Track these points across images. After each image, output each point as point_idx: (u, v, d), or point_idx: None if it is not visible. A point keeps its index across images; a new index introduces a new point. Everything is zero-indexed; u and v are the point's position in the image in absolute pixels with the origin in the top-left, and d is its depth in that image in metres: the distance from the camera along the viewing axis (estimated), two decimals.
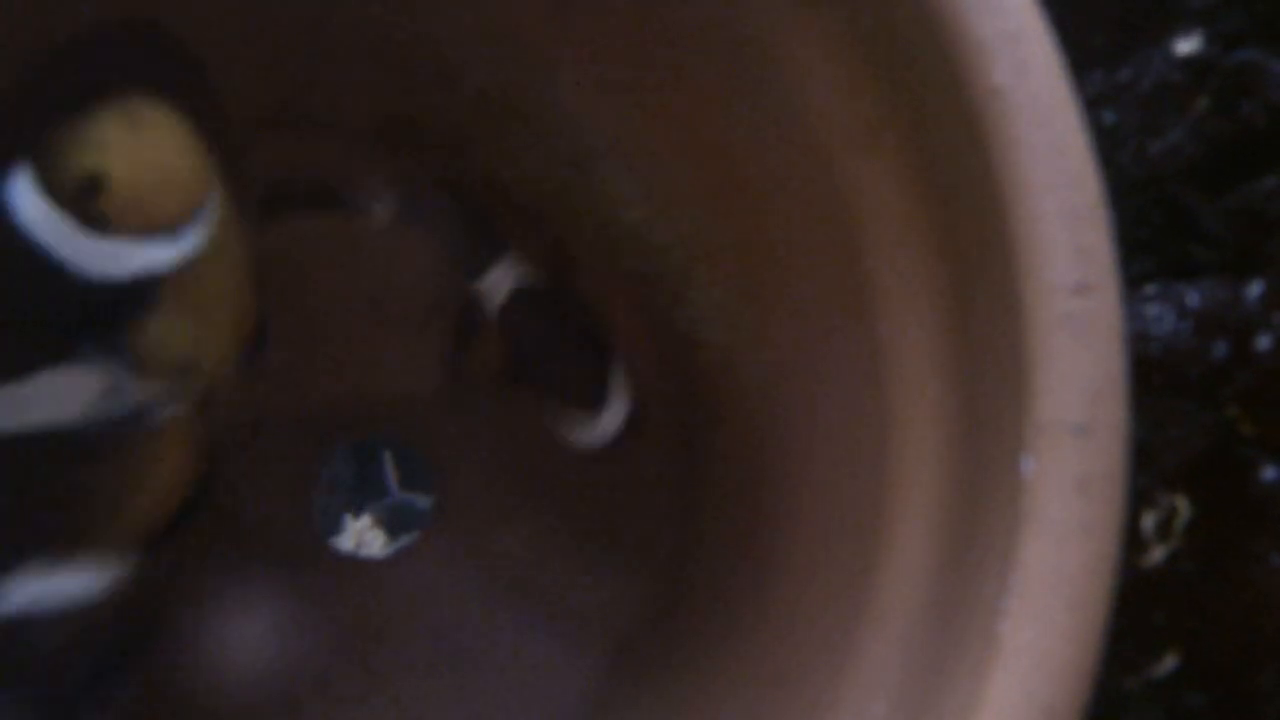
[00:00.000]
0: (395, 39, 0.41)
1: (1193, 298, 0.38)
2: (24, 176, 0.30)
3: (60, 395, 0.31)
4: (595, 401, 0.43)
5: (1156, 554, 0.38)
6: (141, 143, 0.31)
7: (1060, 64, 0.29)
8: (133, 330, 0.32)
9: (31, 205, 0.30)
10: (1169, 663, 0.38)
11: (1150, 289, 0.39)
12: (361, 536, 0.67)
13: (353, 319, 0.48)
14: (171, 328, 0.32)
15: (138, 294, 0.31)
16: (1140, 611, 0.38)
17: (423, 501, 0.66)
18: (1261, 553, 0.37)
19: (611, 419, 0.43)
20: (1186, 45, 0.40)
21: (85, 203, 0.30)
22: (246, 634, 0.45)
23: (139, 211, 0.31)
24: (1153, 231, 0.40)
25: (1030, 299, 0.28)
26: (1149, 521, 0.38)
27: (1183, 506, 0.38)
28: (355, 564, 0.49)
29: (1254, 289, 0.38)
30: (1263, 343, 0.38)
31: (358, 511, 0.68)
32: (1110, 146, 0.40)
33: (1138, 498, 0.38)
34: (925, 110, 0.31)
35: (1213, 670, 0.38)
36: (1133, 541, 0.38)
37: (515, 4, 0.39)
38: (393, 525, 0.68)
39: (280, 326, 0.45)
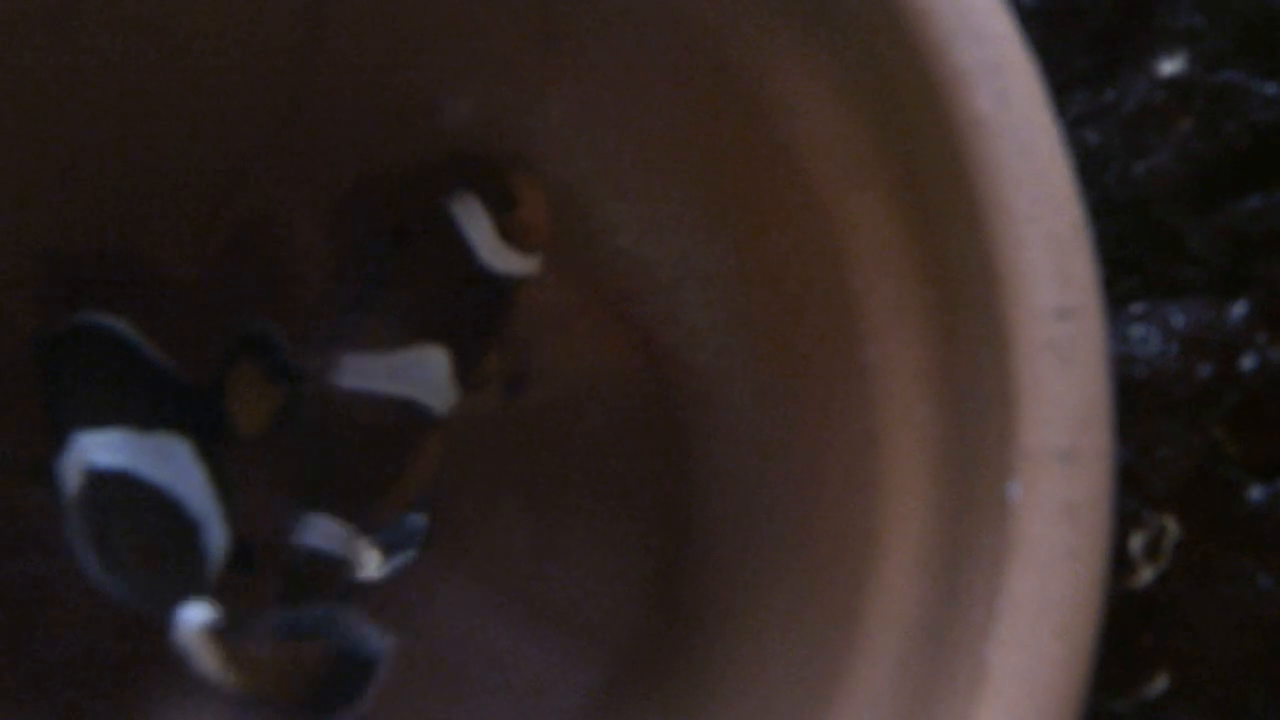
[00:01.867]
0: (384, 70, 0.41)
1: (1178, 319, 0.38)
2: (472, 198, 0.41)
3: (428, 372, 0.41)
4: None
5: (1145, 575, 0.38)
6: (533, 189, 0.42)
7: (1042, 91, 0.29)
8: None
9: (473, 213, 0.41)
10: (1159, 683, 0.38)
11: (1136, 309, 0.39)
12: (357, 557, 0.66)
13: None
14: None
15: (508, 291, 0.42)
16: (1130, 632, 0.38)
17: (418, 520, 0.66)
18: (1250, 572, 0.37)
19: None
20: (1170, 66, 0.40)
21: (504, 214, 0.41)
22: None
23: (525, 233, 0.41)
24: (1137, 251, 0.40)
25: (1014, 325, 0.28)
26: (1137, 543, 0.38)
27: (1171, 527, 0.38)
28: (350, 590, 0.49)
29: (1239, 309, 0.38)
30: (1248, 363, 0.38)
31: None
32: (1094, 167, 0.40)
33: (1126, 519, 0.38)
34: (909, 138, 0.31)
35: (1203, 691, 0.38)
36: (1121, 562, 0.38)
37: (504, 34, 0.39)
38: (388, 545, 0.67)
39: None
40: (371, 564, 0.66)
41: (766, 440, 0.41)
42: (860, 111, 0.33)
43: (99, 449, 0.37)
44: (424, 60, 0.41)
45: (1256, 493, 0.38)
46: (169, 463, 0.38)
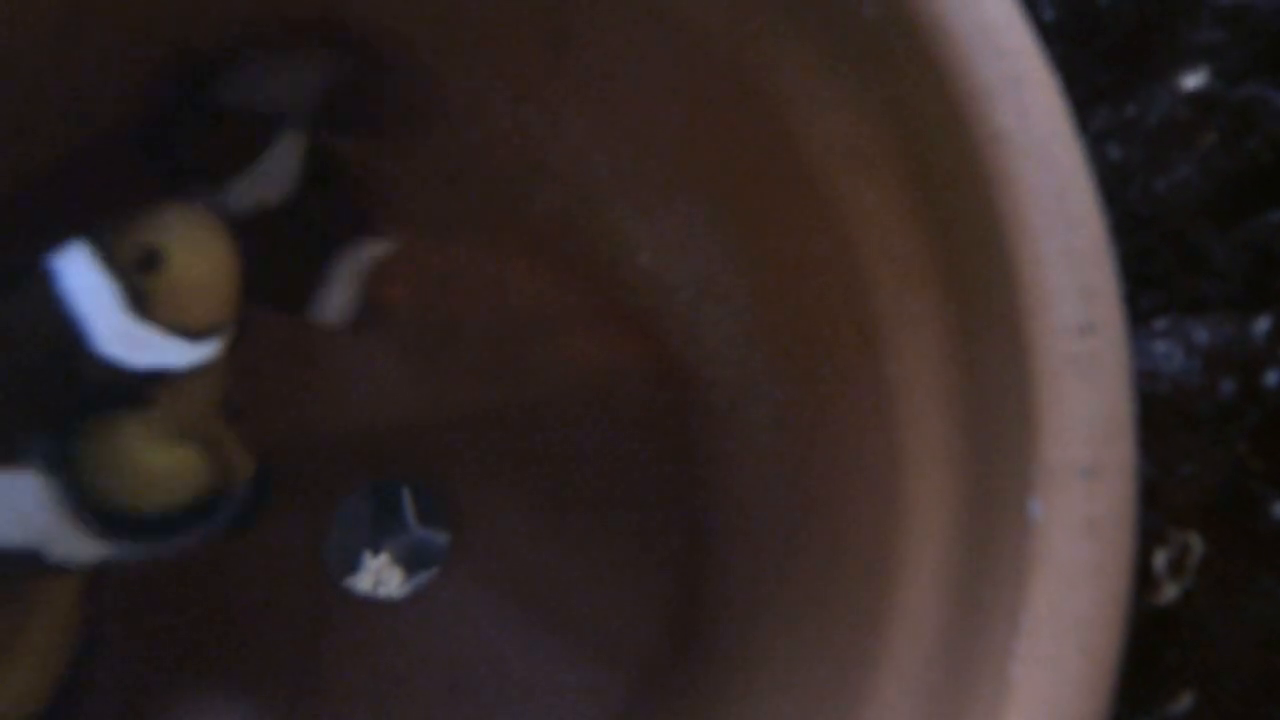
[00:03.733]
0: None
1: (1201, 334, 0.38)
2: (81, 246, 0.31)
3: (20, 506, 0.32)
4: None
5: (1169, 592, 0.38)
6: (199, 242, 0.33)
7: (1063, 106, 0.29)
8: (103, 425, 0.32)
9: (82, 271, 0.31)
10: (1184, 702, 0.38)
11: (1158, 325, 0.39)
12: (379, 575, 0.67)
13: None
14: (148, 433, 0.33)
15: (136, 390, 0.32)
16: (1154, 650, 0.38)
17: (440, 537, 0.67)
18: (1274, 589, 0.37)
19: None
20: (1193, 81, 0.40)
21: (137, 275, 0.32)
22: (258, 681, 0.45)
23: (178, 305, 0.33)
24: (1160, 267, 0.40)
25: (1036, 341, 0.28)
26: (1161, 560, 0.38)
27: (1195, 544, 0.38)
28: (372, 605, 0.49)
29: (1262, 324, 0.38)
30: (1272, 379, 0.38)
31: (375, 549, 0.68)
32: (1117, 182, 0.40)
33: (1149, 536, 0.38)
34: (929, 154, 0.31)
35: (1228, 709, 0.38)
36: (1145, 580, 0.38)
37: (516, 47, 0.40)
38: (410, 562, 0.68)
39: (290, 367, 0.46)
40: (394, 582, 0.67)
41: (786, 457, 0.41)
42: (880, 127, 0.33)
43: None
44: (436, 66, 0.41)
45: None
46: None
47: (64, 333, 0.31)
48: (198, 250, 0.33)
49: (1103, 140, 0.41)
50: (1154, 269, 0.40)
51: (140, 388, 0.33)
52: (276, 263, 0.41)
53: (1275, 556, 0.37)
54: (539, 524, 0.48)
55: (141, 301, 0.32)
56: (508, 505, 0.48)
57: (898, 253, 0.34)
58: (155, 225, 0.33)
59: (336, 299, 0.41)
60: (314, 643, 0.46)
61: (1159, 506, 0.38)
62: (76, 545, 0.32)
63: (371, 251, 0.42)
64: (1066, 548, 0.27)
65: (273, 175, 0.39)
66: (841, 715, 0.33)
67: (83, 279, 0.32)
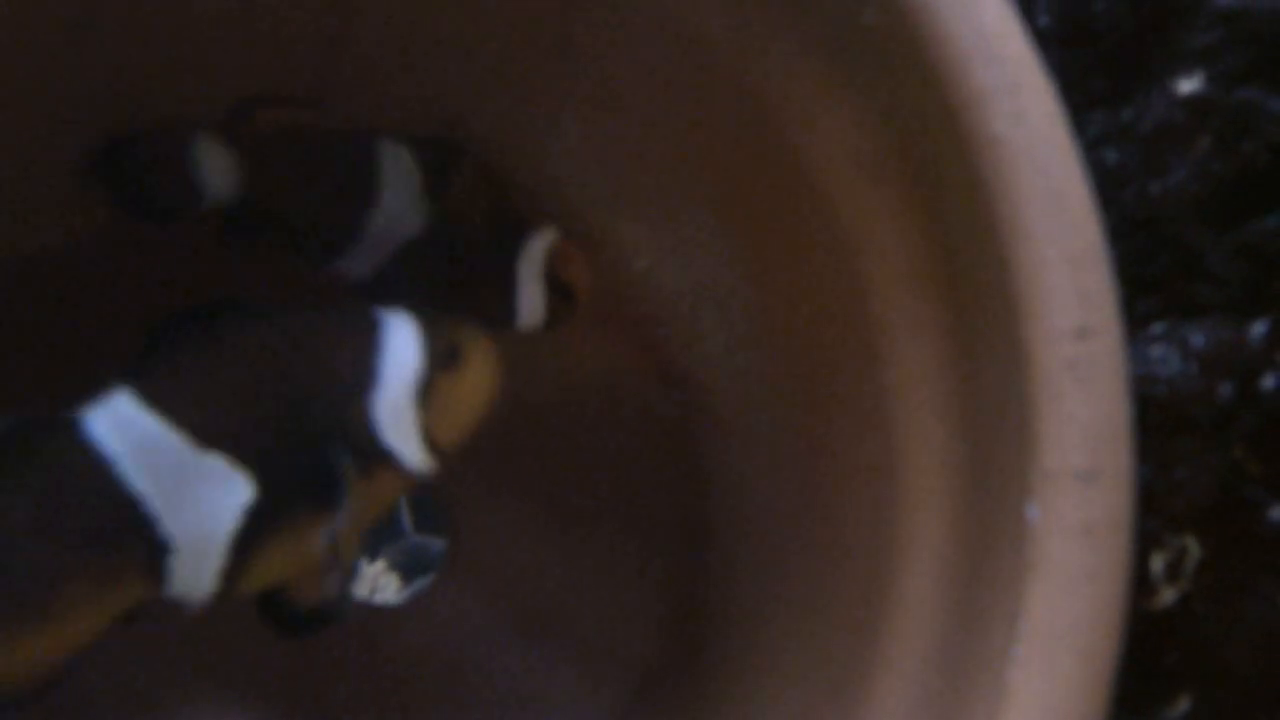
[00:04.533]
0: (402, 91, 0.41)
1: (1197, 338, 0.38)
2: (412, 317, 0.34)
3: None
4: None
5: (1167, 596, 0.38)
6: (490, 368, 0.35)
7: (1059, 112, 0.29)
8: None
9: (408, 337, 0.34)
10: (1181, 705, 0.38)
11: (1156, 329, 0.39)
12: (375, 582, 0.67)
13: None
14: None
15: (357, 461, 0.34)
16: (1151, 654, 0.38)
17: (437, 543, 0.66)
18: (1271, 592, 0.37)
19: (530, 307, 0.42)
20: (1188, 85, 0.40)
21: (438, 367, 0.34)
22: (256, 687, 0.45)
23: (447, 412, 0.35)
24: (1156, 271, 0.40)
25: (1033, 344, 0.28)
26: (1158, 563, 0.38)
27: (1192, 548, 0.38)
28: (369, 611, 0.49)
29: (1258, 328, 0.38)
30: (1268, 383, 0.38)
31: (372, 556, 0.68)
32: (1113, 186, 0.40)
33: (1146, 539, 0.38)
34: (928, 159, 0.32)
35: (1225, 712, 0.38)
36: (1143, 583, 0.38)
37: (520, 56, 0.40)
38: (407, 569, 0.68)
39: None
40: (391, 589, 0.66)
41: (785, 462, 0.41)
42: (878, 133, 0.33)
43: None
44: (444, 78, 0.41)
45: (1277, 512, 0.38)
46: None
47: (361, 376, 0.34)
48: (484, 373, 0.35)
49: (1099, 145, 0.41)
50: (1151, 273, 0.40)
51: (359, 461, 0.34)
52: (463, 287, 0.42)
53: (1272, 559, 0.38)
54: (536, 529, 0.48)
55: (425, 392, 0.34)
56: (505, 511, 0.48)
57: (896, 257, 0.34)
58: (467, 334, 0.35)
59: (532, 300, 0.41)
60: (311, 649, 0.46)
61: (1156, 510, 0.38)
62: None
63: (543, 243, 0.41)
64: (1063, 552, 0.27)
65: (399, 203, 0.40)
66: (840, 715, 0.33)
67: (405, 344, 0.34)
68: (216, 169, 0.39)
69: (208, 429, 0.32)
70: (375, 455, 0.34)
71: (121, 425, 0.32)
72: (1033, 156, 0.29)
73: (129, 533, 0.32)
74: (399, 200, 0.40)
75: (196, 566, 0.33)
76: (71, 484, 0.32)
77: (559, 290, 0.41)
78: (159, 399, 0.32)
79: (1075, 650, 0.26)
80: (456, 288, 0.42)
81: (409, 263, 0.41)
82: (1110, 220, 0.29)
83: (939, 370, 0.33)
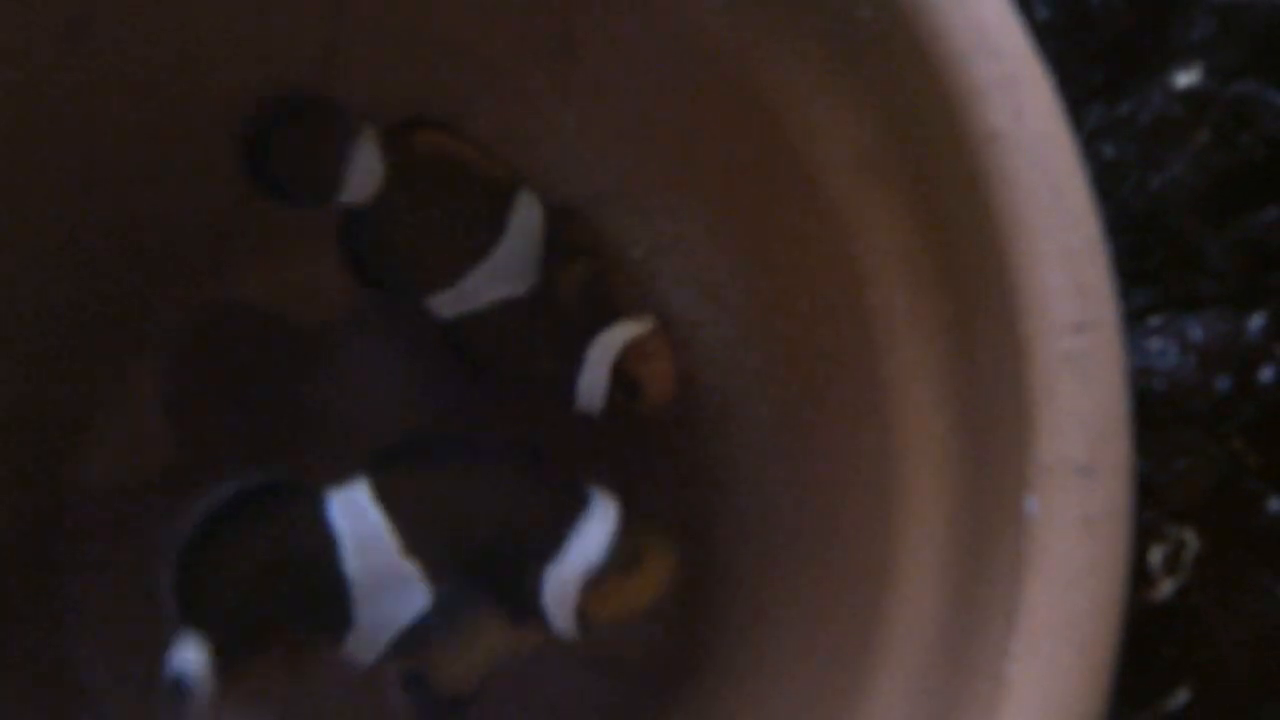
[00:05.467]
0: (401, 86, 0.41)
1: (1196, 331, 0.38)
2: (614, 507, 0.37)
3: None
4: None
5: (1165, 588, 0.38)
6: (660, 569, 0.37)
7: (1057, 105, 0.29)
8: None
9: (603, 525, 0.37)
10: (1180, 697, 0.38)
11: (1154, 322, 0.39)
12: None
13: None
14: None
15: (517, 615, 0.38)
16: (1150, 646, 0.38)
17: None
18: (1270, 584, 0.37)
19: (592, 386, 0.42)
20: (1185, 78, 0.40)
21: (620, 563, 0.37)
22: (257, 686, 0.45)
23: (609, 603, 0.37)
24: (1154, 264, 0.40)
25: (1031, 338, 0.28)
26: (1157, 556, 0.38)
27: (1190, 540, 0.38)
28: None
29: (1257, 321, 0.38)
30: (1266, 375, 0.38)
31: None
32: (1111, 180, 0.40)
33: (1145, 532, 0.38)
34: (926, 153, 0.32)
35: (1224, 704, 0.38)
36: (1141, 576, 0.38)
37: (520, 49, 0.40)
38: None
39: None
40: None
41: (783, 458, 0.41)
42: (877, 127, 0.33)
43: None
44: (440, 76, 0.41)
45: (1276, 505, 0.38)
46: None
47: (549, 547, 0.37)
48: (655, 581, 0.37)
49: (1097, 139, 0.41)
50: (1149, 266, 0.40)
51: (516, 610, 0.38)
52: (531, 351, 0.42)
53: (1271, 552, 0.38)
54: None
55: (595, 584, 0.37)
56: None
57: (894, 251, 0.34)
58: (654, 539, 0.37)
59: (594, 387, 0.41)
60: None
61: (1155, 503, 0.38)
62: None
63: (625, 333, 0.41)
64: (1062, 545, 0.27)
65: (514, 259, 0.40)
66: (838, 710, 0.33)
67: (596, 537, 0.37)
68: (364, 169, 0.39)
69: (415, 537, 0.36)
70: (531, 610, 0.37)
71: (354, 512, 0.36)
72: (1031, 150, 0.29)
73: (330, 610, 0.37)
74: (513, 257, 0.40)
75: (366, 646, 0.37)
76: (300, 551, 0.36)
77: (626, 384, 0.41)
78: (387, 498, 0.36)
79: (1074, 643, 0.26)
80: (530, 354, 0.42)
81: (496, 318, 0.41)
82: (1108, 214, 0.29)
83: (937, 364, 0.33)
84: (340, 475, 0.38)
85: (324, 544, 0.36)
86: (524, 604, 0.37)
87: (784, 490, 0.40)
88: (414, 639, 0.37)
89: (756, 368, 0.41)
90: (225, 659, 0.36)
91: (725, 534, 0.43)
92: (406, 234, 0.41)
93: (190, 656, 0.35)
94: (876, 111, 0.33)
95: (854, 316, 0.35)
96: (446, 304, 0.41)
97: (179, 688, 0.35)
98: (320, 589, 0.36)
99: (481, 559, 0.37)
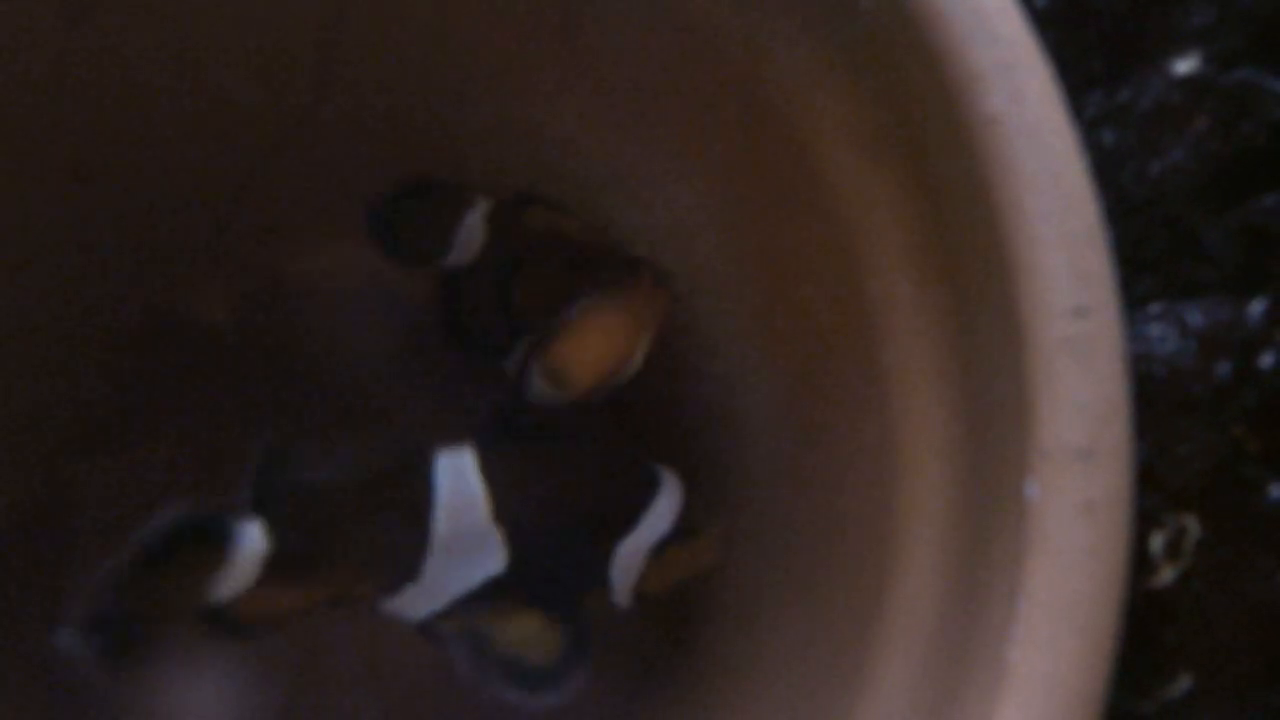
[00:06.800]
0: (398, 76, 0.41)
1: (1195, 317, 0.38)
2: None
3: None
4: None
5: (1166, 574, 0.38)
6: (709, 544, 0.40)
7: (1056, 91, 0.29)
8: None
9: (670, 506, 0.38)
10: (1183, 683, 0.38)
11: (1153, 308, 0.39)
12: None
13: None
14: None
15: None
16: (1152, 632, 0.38)
17: None
18: (1271, 570, 0.37)
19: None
20: (1184, 65, 0.40)
21: (680, 535, 0.38)
22: (259, 673, 0.45)
23: (665, 572, 0.39)
24: (1155, 251, 0.40)
25: (1031, 323, 0.28)
26: (1158, 542, 0.38)
27: (1191, 526, 0.38)
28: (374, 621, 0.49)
29: (1256, 307, 0.38)
30: (1266, 360, 0.38)
31: None
32: (1110, 167, 0.40)
33: (1146, 518, 0.38)
34: (925, 139, 0.32)
35: (1226, 690, 0.38)
36: (1142, 562, 0.38)
37: (522, 39, 0.40)
38: None
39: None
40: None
41: (783, 445, 0.41)
42: (877, 114, 0.33)
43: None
44: (441, 63, 0.41)
45: (1276, 491, 0.37)
46: None
47: (625, 522, 0.38)
48: (704, 554, 0.39)
49: (1096, 126, 0.41)
50: (1149, 253, 0.40)
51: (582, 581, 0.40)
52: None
53: (1272, 537, 0.38)
54: None
55: (658, 552, 0.38)
56: None
57: (893, 238, 0.34)
58: (705, 516, 0.39)
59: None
60: (314, 635, 0.46)
61: (1155, 489, 0.38)
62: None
63: (670, 544, 0.41)
64: (1063, 530, 0.27)
65: None
66: (840, 697, 0.33)
67: (666, 510, 0.38)
68: (472, 235, 0.42)
69: (503, 505, 0.38)
70: (597, 581, 0.39)
71: (457, 476, 0.38)
72: (1030, 135, 0.29)
73: (404, 558, 0.38)
74: None
75: (421, 602, 0.38)
76: (400, 491, 0.38)
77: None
78: (488, 468, 0.38)
79: (1075, 628, 0.26)
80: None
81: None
82: (1108, 201, 0.29)
83: (937, 350, 0.33)
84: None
85: (423, 494, 0.37)
86: (592, 575, 0.39)
87: (783, 477, 0.40)
88: (471, 608, 0.39)
89: (757, 357, 0.41)
90: (283, 558, 0.36)
91: (726, 523, 0.43)
92: (497, 295, 0.43)
93: (253, 535, 0.36)
94: (877, 97, 0.33)
95: (855, 304, 0.35)
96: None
97: (226, 554, 0.35)
98: (403, 535, 0.37)
99: (560, 533, 0.39)
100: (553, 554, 0.39)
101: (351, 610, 0.39)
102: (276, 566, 0.36)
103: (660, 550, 0.38)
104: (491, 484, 0.38)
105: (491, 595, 0.39)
